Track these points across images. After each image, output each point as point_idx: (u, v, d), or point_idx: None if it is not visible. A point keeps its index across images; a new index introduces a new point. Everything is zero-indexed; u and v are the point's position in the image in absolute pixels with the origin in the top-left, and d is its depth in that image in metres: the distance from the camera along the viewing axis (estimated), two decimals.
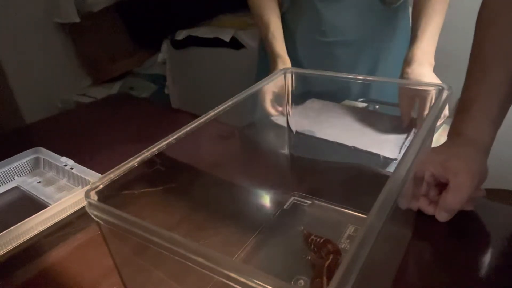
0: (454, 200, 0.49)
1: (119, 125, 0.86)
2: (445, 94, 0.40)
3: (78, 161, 0.71)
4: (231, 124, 0.50)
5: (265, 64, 0.99)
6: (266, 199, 0.58)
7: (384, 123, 0.70)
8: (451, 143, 0.53)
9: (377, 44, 0.92)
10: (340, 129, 0.68)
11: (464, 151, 0.51)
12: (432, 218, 0.51)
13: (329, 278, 0.36)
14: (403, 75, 0.73)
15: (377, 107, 0.79)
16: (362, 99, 0.81)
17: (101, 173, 0.36)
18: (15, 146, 0.80)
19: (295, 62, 0.98)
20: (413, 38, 0.75)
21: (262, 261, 0.49)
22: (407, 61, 0.73)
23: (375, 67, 0.94)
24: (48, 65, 1.94)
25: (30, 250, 0.52)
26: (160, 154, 0.40)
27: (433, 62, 0.74)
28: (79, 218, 0.57)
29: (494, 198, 0.54)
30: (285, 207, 0.57)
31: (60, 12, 1.83)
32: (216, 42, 1.60)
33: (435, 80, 0.71)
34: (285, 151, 0.60)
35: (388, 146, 0.63)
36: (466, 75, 0.55)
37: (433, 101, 0.41)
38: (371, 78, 0.51)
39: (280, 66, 0.85)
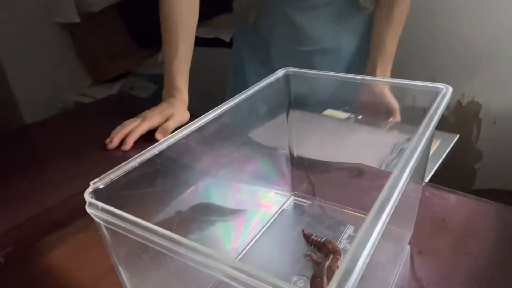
0: None
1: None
2: (444, 94, 0.40)
3: (78, 161, 0.71)
4: (231, 124, 0.50)
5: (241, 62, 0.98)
6: (266, 199, 0.58)
7: (367, 134, 0.70)
8: None
9: (354, 50, 0.91)
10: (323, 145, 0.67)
11: None
12: (432, 218, 0.51)
13: (329, 278, 0.36)
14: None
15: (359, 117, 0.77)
16: (346, 107, 0.79)
17: (101, 174, 0.36)
18: (15, 146, 0.80)
19: (270, 72, 0.96)
20: (372, 59, 0.82)
21: (262, 261, 0.49)
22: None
23: (353, 72, 0.93)
24: (48, 65, 1.93)
25: (30, 250, 0.52)
26: (160, 154, 0.40)
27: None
28: (79, 218, 0.57)
29: (493, 198, 0.54)
30: (285, 207, 0.57)
31: (60, 12, 1.83)
32: (216, 42, 1.60)
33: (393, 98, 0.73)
34: (285, 151, 0.60)
35: (371, 157, 0.63)
36: None
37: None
38: (371, 78, 0.51)
39: (178, 103, 0.81)
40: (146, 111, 0.77)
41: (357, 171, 0.63)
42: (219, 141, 0.55)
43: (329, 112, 0.79)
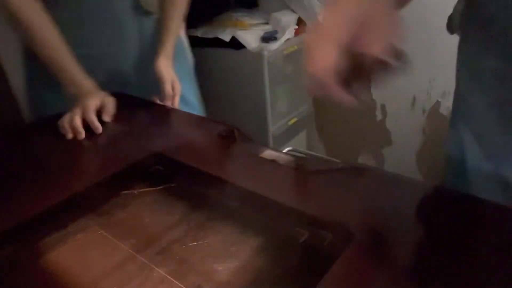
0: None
1: (119, 125, 0.86)
2: None
3: (78, 160, 0.71)
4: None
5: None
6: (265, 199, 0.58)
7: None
8: None
9: (141, 56, 0.92)
10: None
11: None
12: (432, 218, 0.51)
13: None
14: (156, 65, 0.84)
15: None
16: (289, 148, 0.77)
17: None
18: (14, 146, 0.80)
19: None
20: (161, 39, 0.88)
21: (262, 262, 0.49)
22: (158, 55, 0.85)
23: (140, 79, 0.94)
24: None
25: (30, 250, 0.52)
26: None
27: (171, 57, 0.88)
28: (79, 218, 0.57)
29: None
30: None
31: None
32: (216, 42, 1.60)
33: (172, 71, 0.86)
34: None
35: None
36: None
37: None
38: None
39: (92, 88, 0.80)
40: (72, 108, 0.77)
41: (357, 171, 0.63)
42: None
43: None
